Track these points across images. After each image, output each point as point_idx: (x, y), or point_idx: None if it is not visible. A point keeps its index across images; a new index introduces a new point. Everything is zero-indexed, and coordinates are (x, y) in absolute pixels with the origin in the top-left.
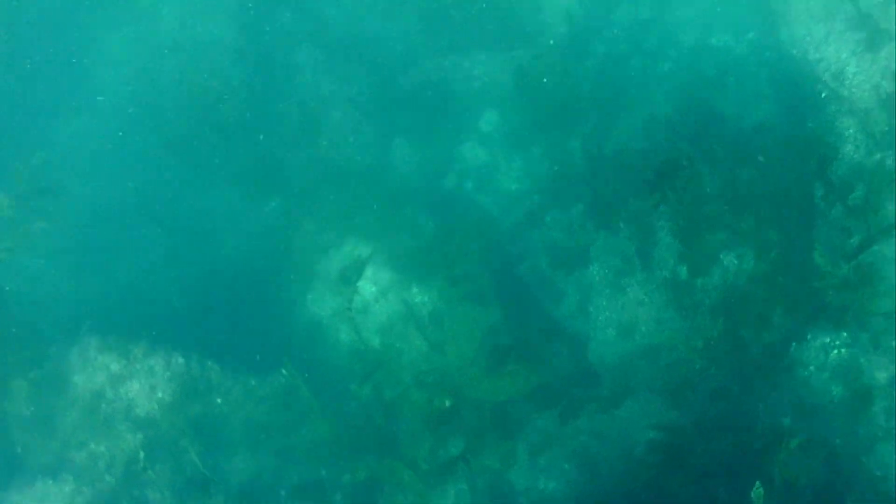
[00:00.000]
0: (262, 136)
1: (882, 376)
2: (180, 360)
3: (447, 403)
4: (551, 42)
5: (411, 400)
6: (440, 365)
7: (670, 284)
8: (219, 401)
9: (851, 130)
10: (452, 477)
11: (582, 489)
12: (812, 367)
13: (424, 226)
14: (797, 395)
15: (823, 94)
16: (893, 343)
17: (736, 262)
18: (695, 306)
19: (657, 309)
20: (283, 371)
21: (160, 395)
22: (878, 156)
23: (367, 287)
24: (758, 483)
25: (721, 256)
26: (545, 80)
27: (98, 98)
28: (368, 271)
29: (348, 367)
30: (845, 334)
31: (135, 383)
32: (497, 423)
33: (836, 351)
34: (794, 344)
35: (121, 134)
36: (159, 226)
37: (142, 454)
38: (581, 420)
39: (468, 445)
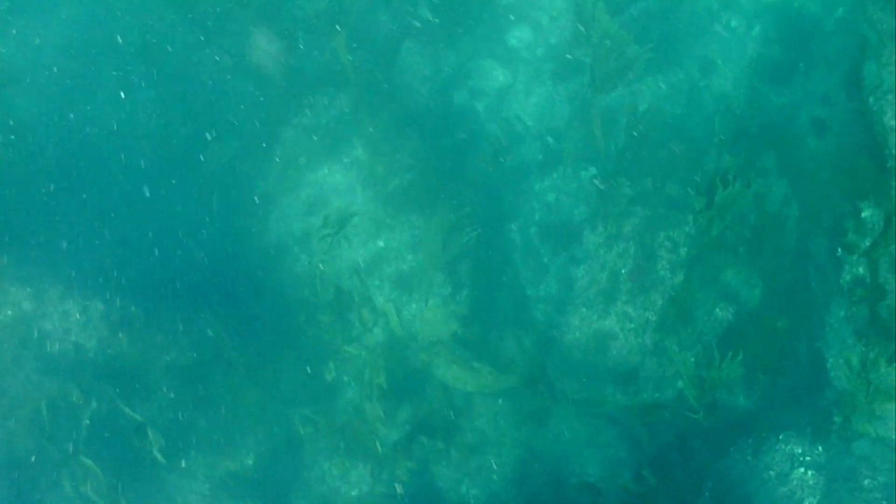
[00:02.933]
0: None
1: None
2: (99, 306)
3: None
4: None
5: (361, 373)
6: (400, 335)
7: (656, 324)
8: (137, 348)
9: None
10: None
11: None
12: (773, 473)
13: (417, 153)
14: (747, 492)
15: None
16: (866, 482)
17: (732, 314)
18: (677, 352)
19: (634, 344)
20: (209, 331)
21: (74, 339)
22: None
23: (337, 223)
24: None
25: (717, 308)
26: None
27: None
28: (343, 205)
29: (298, 308)
30: (820, 449)
31: (47, 324)
32: (443, 412)
33: (802, 469)
34: (763, 434)
35: None
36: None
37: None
38: (523, 431)
39: (412, 428)
